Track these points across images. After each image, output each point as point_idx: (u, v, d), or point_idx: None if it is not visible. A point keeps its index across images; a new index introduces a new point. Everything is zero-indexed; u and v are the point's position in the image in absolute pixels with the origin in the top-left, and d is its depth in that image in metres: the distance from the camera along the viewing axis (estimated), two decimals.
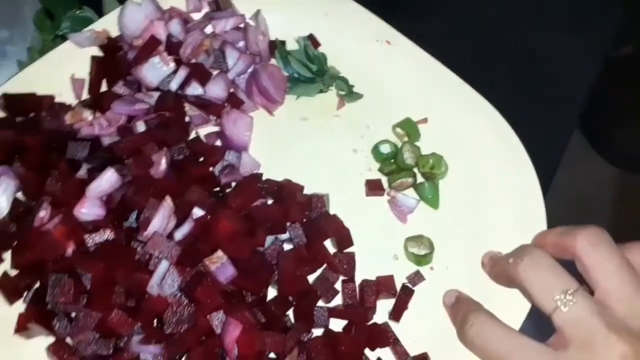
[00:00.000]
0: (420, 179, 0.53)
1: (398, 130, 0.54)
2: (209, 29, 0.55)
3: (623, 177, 1.27)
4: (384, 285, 0.49)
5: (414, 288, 0.49)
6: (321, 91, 0.55)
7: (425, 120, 0.54)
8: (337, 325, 0.48)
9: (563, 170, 0.59)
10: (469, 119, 0.53)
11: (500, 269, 0.46)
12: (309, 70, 0.54)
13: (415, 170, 0.53)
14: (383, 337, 0.47)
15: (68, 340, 0.45)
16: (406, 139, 0.53)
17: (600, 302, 0.39)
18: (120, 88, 0.52)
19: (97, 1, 0.59)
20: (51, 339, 0.46)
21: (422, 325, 0.49)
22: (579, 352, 0.38)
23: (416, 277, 0.50)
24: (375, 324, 0.48)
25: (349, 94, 0.55)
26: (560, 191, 0.55)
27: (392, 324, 0.48)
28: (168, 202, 0.45)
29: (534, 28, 0.64)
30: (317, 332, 0.47)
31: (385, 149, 0.53)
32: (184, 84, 0.52)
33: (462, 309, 0.45)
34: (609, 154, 1.28)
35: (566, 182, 0.56)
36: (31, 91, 0.52)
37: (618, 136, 1.24)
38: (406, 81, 0.54)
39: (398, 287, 0.49)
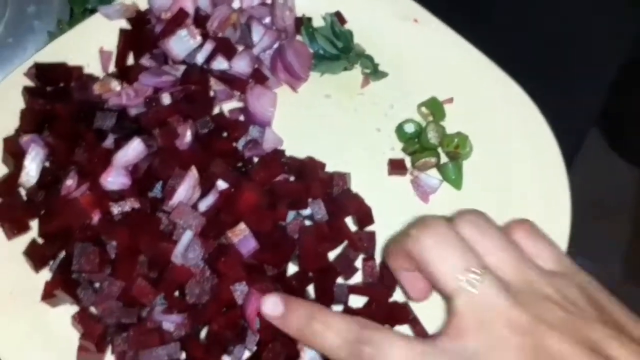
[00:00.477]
0: (443, 159, 0.52)
1: (423, 109, 0.53)
2: (236, 4, 0.55)
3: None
4: None
5: None
6: (346, 69, 0.55)
7: (450, 100, 0.53)
8: (356, 302, 0.48)
9: (581, 171, 0.58)
10: (495, 100, 0.53)
11: (399, 245, 0.37)
12: (335, 47, 0.54)
13: (439, 150, 0.52)
14: (403, 314, 0.47)
15: (92, 309, 0.46)
16: (431, 118, 0.53)
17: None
18: (147, 60, 0.52)
19: None
20: (76, 308, 0.47)
21: (442, 305, 0.49)
22: (475, 339, 0.32)
23: None
24: (395, 302, 0.48)
25: (374, 72, 0.54)
26: (578, 192, 0.54)
27: (412, 303, 0.48)
28: (193, 173, 0.46)
29: (561, 16, 0.63)
30: (337, 308, 0.48)
31: (410, 128, 0.52)
32: (209, 58, 0.52)
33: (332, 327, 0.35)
34: (629, 154, 1.25)
35: (584, 183, 0.55)
36: (61, 61, 0.52)
37: (638, 136, 1.21)
38: (432, 60, 0.54)
39: None
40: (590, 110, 0.62)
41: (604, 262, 0.56)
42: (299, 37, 0.55)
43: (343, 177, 0.51)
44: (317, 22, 0.56)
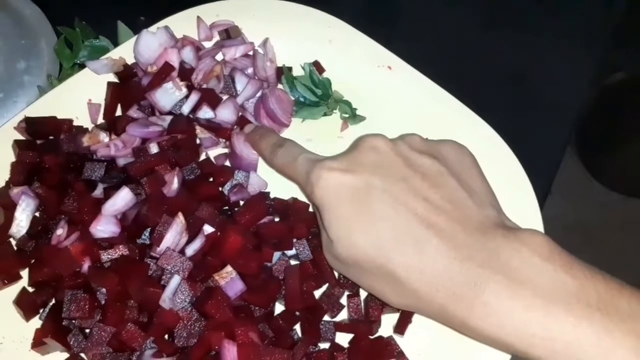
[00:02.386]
0: None
1: None
2: (219, 56, 0.58)
3: (622, 201, 1.28)
4: None
5: None
6: (325, 114, 0.57)
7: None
8: (343, 339, 0.49)
9: (560, 196, 0.60)
10: (468, 140, 0.55)
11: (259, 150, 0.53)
12: (314, 94, 0.57)
13: None
14: (388, 350, 0.48)
15: (83, 355, 0.47)
16: None
17: None
18: (134, 112, 0.55)
19: (112, 31, 0.62)
20: (66, 355, 0.47)
21: (426, 338, 0.50)
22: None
23: None
24: (380, 337, 0.49)
25: (352, 116, 0.57)
26: (558, 217, 0.57)
27: (397, 338, 0.49)
28: (180, 219, 0.47)
29: (528, 52, 0.67)
30: (324, 345, 0.49)
31: None
32: (195, 108, 0.54)
33: (267, 141, 0.52)
34: (606, 178, 1.29)
35: (564, 208, 0.58)
36: (51, 115, 0.54)
37: (614, 161, 1.25)
38: (407, 104, 0.57)
39: None
40: (563, 137, 0.66)
41: None
42: (280, 86, 0.58)
43: None
44: (297, 72, 0.59)
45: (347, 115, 0.57)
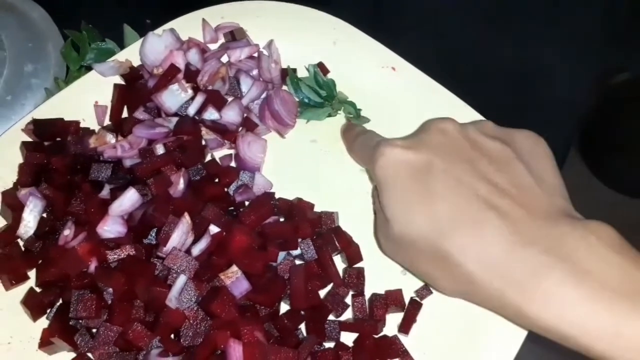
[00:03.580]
0: None
1: None
2: (224, 58, 0.58)
3: (627, 202, 1.28)
4: (392, 299, 0.50)
5: (422, 302, 0.51)
6: (330, 115, 0.58)
7: None
8: (347, 338, 0.49)
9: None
10: None
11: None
12: (319, 95, 0.57)
13: None
14: (393, 349, 0.48)
15: (90, 355, 0.47)
16: None
17: None
18: (140, 114, 0.55)
19: (118, 34, 0.63)
20: (73, 354, 0.48)
21: (431, 337, 0.50)
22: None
23: (424, 291, 0.51)
24: (385, 336, 0.49)
25: (357, 117, 0.57)
26: None
27: (402, 337, 0.49)
28: (186, 219, 0.48)
29: (532, 53, 0.67)
30: (329, 345, 0.49)
31: None
32: (201, 110, 0.55)
33: (350, 132, 0.54)
34: (610, 180, 1.29)
35: None
36: (58, 117, 0.55)
37: (619, 161, 1.25)
38: (410, 104, 0.57)
39: (407, 300, 0.51)
40: (566, 137, 0.66)
41: None
42: (285, 87, 0.58)
43: (331, 217, 0.53)
44: (302, 73, 0.59)
45: (351, 116, 0.58)
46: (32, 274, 0.51)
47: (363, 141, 0.50)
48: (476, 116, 0.56)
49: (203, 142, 0.55)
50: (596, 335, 0.35)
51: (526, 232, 0.38)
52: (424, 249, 0.41)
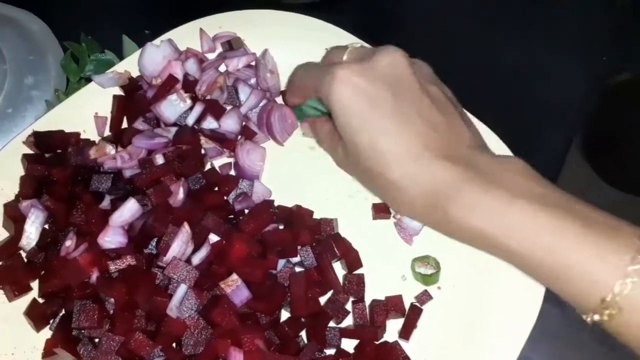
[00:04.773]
0: None
1: None
2: (222, 68, 0.59)
3: (629, 201, 1.27)
4: (393, 305, 0.51)
5: (422, 307, 0.51)
6: None
7: None
8: (348, 344, 0.50)
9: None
10: None
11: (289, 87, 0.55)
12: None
13: None
14: (393, 355, 0.49)
15: None
16: None
17: None
18: (140, 124, 0.56)
19: (117, 45, 0.63)
20: None
21: (431, 343, 0.50)
22: None
23: (424, 297, 0.51)
24: (385, 342, 0.50)
25: None
26: None
27: (402, 343, 0.50)
28: (186, 229, 0.48)
29: (531, 53, 0.68)
30: (330, 351, 0.49)
31: None
32: (199, 119, 0.55)
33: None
34: (613, 178, 1.28)
35: None
36: (59, 129, 0.55)
37: (621, 160, 1.24)
38: None
39: (407, 306, 0.51)
40: (566, 137, 0.66)
41: None
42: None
43: (330, 223, 0.53)
44: None
45: None
46: (34, 285, 0.51)
47: (306, 70, 0.52)
48: (473, 119, 0.56)
49: (202, 151, 0.55)
50: (508, 232, 0.40)
51: (453, 153, 0.44)
52: (369, 171, 0.46)
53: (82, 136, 0.56)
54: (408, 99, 0.45)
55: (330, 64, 0.48)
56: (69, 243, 0.50)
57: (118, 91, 0.58)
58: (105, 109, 0.58)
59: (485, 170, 0.43)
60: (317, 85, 0.47)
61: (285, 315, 0.50)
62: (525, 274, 0.42)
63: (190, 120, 0.55)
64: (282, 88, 0.59)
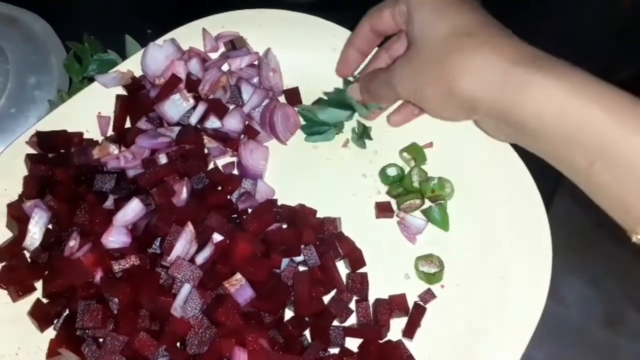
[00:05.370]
0: (428, 202, 0.55)
1: (405, 154, 0.56)
2: (225, 67, 0.59)
3: None
4: (396, 304, 0.51)
5: (425, 306, 0.51)
6: (338, 132, 0.57)
7: (430, 145, 0.56)
8: (352, 343, 0.50)
9: (569, 197, 0.60)
10: (473, 142, 0.55)
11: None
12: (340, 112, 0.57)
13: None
14: (397, 354, 0.49)
15: None
16: (413, 162, 0.56)
17: None
18: (143, 124, 0.56)
19: (120, 45, 0.63)
20: None
21: (435, 341, 0.50)
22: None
23: (427, 295, 0.51)
24: (389, 341, 0.50)
25: (358, 138, 0.57)
26: (567, 218, 0.57)
27: (406, 341, 0.50)
28: (190, 228, 0.48)
29: None
30: (334, 350, 0.49)
31: (392, 172, 0.55)
32: (202, 118, 0.55)
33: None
34: None
35: (573, 209, 0.58)
36: (62, 129, 0.55)
37: None
38: None
39: (410, 305, 0.51)
40: None
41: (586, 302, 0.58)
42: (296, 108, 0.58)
43: (333, 222, 0.53)
44: (304, 84, 0.59)
45: (354, 135, 0.57)
46: (38, 285, 0.52)
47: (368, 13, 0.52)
48: None
49: (205, 151, 0.55)
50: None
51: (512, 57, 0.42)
52: (440, 47, 0.44)
53: (85, 136, 0.57)
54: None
55: None
56: (73, 243, 0.50)
57: (121, 91, 0.58)
58: (108, 109, 0.58)
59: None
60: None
61: (289, 314, 0.50)
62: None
63: (193, 120, 0.55)
64: (285, 87, 0.59)
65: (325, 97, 0.58)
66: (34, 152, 0.55)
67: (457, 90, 0.43)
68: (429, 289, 0.52)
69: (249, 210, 0.53)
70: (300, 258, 0.51)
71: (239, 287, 0.47)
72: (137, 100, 0.57)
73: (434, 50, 0.44)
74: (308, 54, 0.59)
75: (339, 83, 0.59)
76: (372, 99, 0.54)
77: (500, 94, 0.41)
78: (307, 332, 0.50)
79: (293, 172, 0.57)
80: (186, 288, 0.47)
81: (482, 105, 0.42)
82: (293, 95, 0.58)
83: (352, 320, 0.51)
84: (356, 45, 0.54)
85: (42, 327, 0.50)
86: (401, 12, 0.48)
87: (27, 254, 0.52)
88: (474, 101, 0.42)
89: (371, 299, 0.51)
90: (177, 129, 0.55)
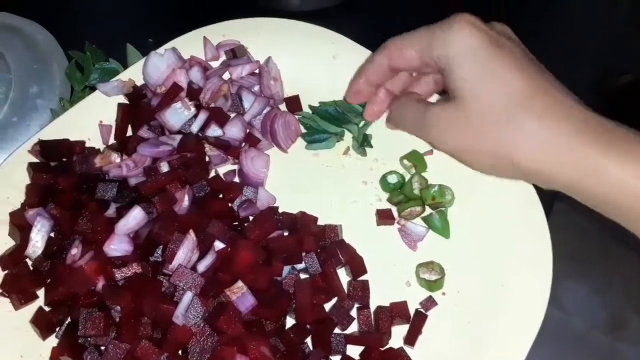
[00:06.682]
0: (429, 209, 0.55)
1: (405, 161, 0.56)
2: (226, 76, 0.59)
3: None
4: (398, 311, 0.51)
5: (427, 313, 0.51)
6: (339, 140, 0.58)
7: (431, 152, 0.57)
8: (354, 351, 0.50)
9: (565, 202, 0.60)
10: None
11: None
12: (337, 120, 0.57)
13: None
14: None
15: None
16: (413, 170, 0.56)
17: None
18: (144, 132, 0.56)
19: (122, 54, 0.63)
20: None
21: (437, 349, 0.50)
22: None
23: (429, 303, 0.52)
24: (390, 349, 0.50)
25: (359, 147, 0.57)
26: (567, 223, 0.57)
27: (407, 349, 0.50)
28: (191, 236, 0.48)
29: (531, 52, 0.68)
30: (335, 358, 0.49)
31: (393, 179, 0.56)
32: (204, 127, 0.56)
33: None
34: None
35: (573, 214, 0.58)
36: (64, 137, 0.56)
37: None
38: None
39: (412, 312, 0.51)
40: None
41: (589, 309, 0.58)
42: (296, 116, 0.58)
43: (335, 230, 0.53)
44: (304, 89, 0.59)
45: (355, 143, 0.57)
46: (40, 293, 0.52)
47: (405, 35, 0.47)
48: None
49: (207, 159, 0.55)
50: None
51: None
52: (498, 112, 0.41)
53: (87, 144, 0.57)
54: (518, 46, 0.43)
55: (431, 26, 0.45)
56: (75, 251, 0.50)
57: (123, 99, 0.58)
58: (110, 117, 0.58)
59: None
60: (428, 35, 0.44)
61: (290, 322, 0.50)
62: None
63: (195, 128, 0.55)
64: (286, 95, 0.59)
65: (319, 108, 0.58)
66: (36, 160, 0.55)
67: (519, 161, 0.41)
68: (430, 296, 0.52)
69: (250, 218, 0.53)
70: (301, 265, 0.51)
71: (241, 295, 0.47)
72: (139, 108, 0.57)
73: (489, 115, 0.41)
74: (308, 62, 0.60)
75: (339, 91, 0.59)
76: (396, 129, 0.52)
77: (571, 171, 0.39)
78: (308, 340, 0.50)
79: (294, 180, 0.57)
80: (188, 296, 0.47)
81: (549, 179, 0.41)
82: (294, 103, 0.59)
83: (353, 327, 0.51)
84: (368, 77, 0.51)
85: (44, 335, 0.50)
86: (437, 57, 0.44)
87: (30, 262, 0.52)
88: (539, 173, 0.41)
89: (372, 307, 0.51)
90: (178, 137, 0.55)
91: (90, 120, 0.58)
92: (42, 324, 0.50)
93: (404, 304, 0.51)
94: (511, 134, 0.41)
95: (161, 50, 0.58)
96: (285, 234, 0.53)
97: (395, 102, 0.52)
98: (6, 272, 0.52)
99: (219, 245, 0.50)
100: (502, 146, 0.41)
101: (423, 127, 0.46)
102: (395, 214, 0.55)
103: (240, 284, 0.47)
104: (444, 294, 0.52)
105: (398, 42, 0.47)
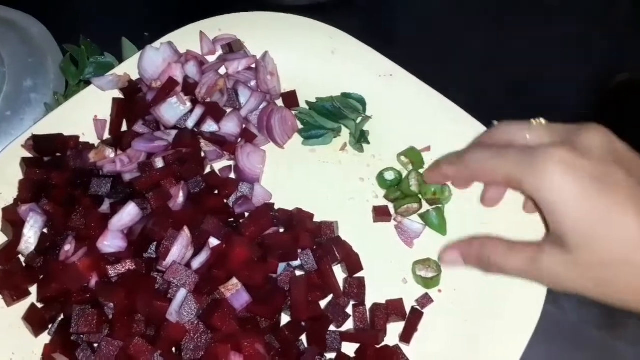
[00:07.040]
0: (425, 206, 0.55)
1: (402, 158, 0.56)
2: (222, 70, 0.58)
3: None
4: (393, 309, 0.50)
5: (423, 310, 0.51)
6: (335, 136, 0.57)
7: (428, 149, 0.56)
8: (349, 348, 0.49)
9: None
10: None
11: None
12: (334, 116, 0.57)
13: (420, 197, 0.55)
14: (394, 359, 0.48)
15: None
16: (411, 166, 0.56)
17: None
18: (139, 127, 0.55)
19: (117, 48, 0.63)
20: None
21: (432, 346, 0.50)
22: None
23: (425, 300, 0.51)
24: (386, 346, 0.49)
25: (356, 142, 0.57)
26: None
27: (403, 346, 0.49)
28: (186, 233, 0.48)
29: (530, 57, 0.67)
30: (330, 355, 0.49)
31: (390, 176, 0.55)
32: (199, 122, 0.55)
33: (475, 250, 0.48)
34: None
35: None
36: (58, 132, 0.55)
37: None
38: (408, 112, 0.57)
39: (407, 309, 0.51)
40: None
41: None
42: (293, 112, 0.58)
43: (331, 226, 0.53)
44: (300, 85, 0.59)
45: (352, 139, 0.57)
46: (33, 289, 0.51)
47: (493, 154, 0.44)
48: (471, 121, 0.56)
49: (202, 154, 0.55)
50: None
51: None
52: (618, 261, 0.38)
53: (82, 139, 0.56)
54: (637, 175, 0.39)
55: (531, 147, 0.41)
56: (68, 247, 0.49)
57: (117, 94, 0.58)
58: (105, 112, 0.57)
59: None
60: (517, 172, 0.40)
61: (285, 319, 0.50)
62: None
63: (190, 123, 0.55)
64: (283, 90, 0.59)
65: (316, 104, 0.57)
66: (29, 155, 0.55)
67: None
68: (426, 294, 0.51)
69: (246, 214, 0.53)
70: (297, 262, 0.51)
71: (235, 292, 0.47)
72: (134, 103, 0.56)
73: (608, 267, 0.38)
74: (306, 57, 0.59)
75: (336, 87, 0.58)
76: (488, 273, 0.48)
77: None
78: (303, 337, 0.49)
79: (290, 176, 0.56)
80: (182, 293, 0.46)
81: None
82: (291, 99, 0.58)
83: (349, 325, 0.50)
84: (445, 175, 0.50)
85: (37, 332, 0.49)
86: (530, 195, 0.41)
87: (22, 258, 0.52)
88: None
89: (368, 304, 0.51)
90: (173, 132, 0.54)
91: (84, 114, 0.57)
92: (35, 321, 0.49)
93: (399, 301, 0.51)
94: (632, 280, 0.38)
95: (157, 44, 0.58)
96: (281, 230, 0.53)
97: (484, 244, 0.47)
98: None
99: (213, 241, 0.50)
100: (625, 293, 0.40)
101: (533, 272, 0.43)
102: (392, 210, 0.55)
103: (235, 281, 0.47)
104: (440, 291, 0.52)
105: (481, 156, 0.45)
